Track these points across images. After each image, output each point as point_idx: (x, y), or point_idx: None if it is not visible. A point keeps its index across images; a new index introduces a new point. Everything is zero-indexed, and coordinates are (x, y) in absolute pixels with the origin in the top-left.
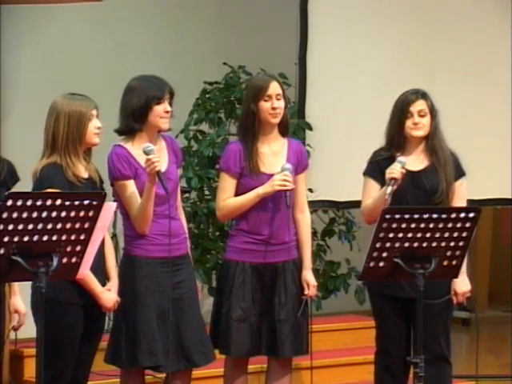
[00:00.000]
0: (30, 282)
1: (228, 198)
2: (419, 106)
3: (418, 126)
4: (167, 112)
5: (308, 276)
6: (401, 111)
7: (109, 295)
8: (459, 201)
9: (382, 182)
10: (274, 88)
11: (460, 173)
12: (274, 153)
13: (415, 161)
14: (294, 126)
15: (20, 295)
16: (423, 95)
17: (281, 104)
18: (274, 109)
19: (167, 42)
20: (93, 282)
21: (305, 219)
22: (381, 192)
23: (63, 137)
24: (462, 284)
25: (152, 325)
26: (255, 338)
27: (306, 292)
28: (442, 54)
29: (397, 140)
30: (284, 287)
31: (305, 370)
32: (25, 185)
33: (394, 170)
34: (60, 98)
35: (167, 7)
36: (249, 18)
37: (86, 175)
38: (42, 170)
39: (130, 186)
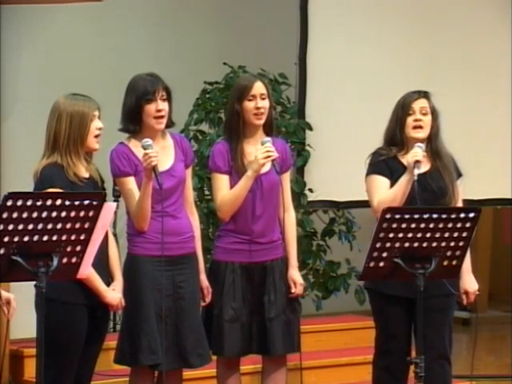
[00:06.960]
0: (33, 282)
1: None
2: (421, 103)
3: (419, 123)
4: (159, 111)
5: (295, 275)
6: (402, 108)
7: (113, 294)
8: (459, 201)
9: (392, 179)
10: (259, 88)
11: (459, 173)
12: None
13: None
14: (294, 125)
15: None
16: (425, 95)
17: (265, 104)
18: (257, 108)
19: (167, 42)
20: (97, 281)
21: (289, 218)
22: (402, 180)
23: (65, 137)
24: (473, 283)
25: (152, 323)
26: (246, 337)
27: (293, 290)
28: (441, 54)
29: (398, 139)
30: (273, 285)
31: (306, 370)
32: (25, 185)
33: (417, 153)
34: (62, 98)
35: (167, 7)
36: (249, 18)
37: (86, 175)
38: (43, 169)
39: (129, 182)
